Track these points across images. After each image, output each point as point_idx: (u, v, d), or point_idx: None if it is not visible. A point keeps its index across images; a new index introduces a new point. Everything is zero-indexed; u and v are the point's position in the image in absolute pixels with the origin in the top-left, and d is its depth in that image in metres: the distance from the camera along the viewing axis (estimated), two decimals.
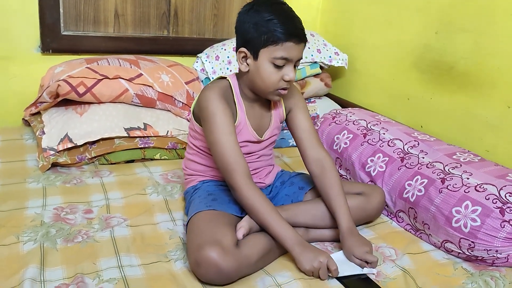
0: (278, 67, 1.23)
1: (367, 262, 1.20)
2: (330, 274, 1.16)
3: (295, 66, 1.27)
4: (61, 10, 1.97)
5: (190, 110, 1.41)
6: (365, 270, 1.20)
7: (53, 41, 1.99)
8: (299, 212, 1.33)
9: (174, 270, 1.16)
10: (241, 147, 1.31)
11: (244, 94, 1.34)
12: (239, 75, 1.34)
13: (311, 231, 1.34)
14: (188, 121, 1.95)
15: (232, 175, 1.23)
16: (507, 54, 1.57)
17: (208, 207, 1.25)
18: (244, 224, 1.22)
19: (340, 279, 1.16)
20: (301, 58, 1.27)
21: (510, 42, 1.56)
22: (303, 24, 1.26)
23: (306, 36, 1.26)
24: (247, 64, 1.27)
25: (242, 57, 1.27)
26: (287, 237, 1.18)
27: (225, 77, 1.35)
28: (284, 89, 1.28)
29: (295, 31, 1.22)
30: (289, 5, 1.27)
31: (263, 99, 1.36)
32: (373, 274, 1.20)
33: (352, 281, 1.16)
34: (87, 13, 2.04)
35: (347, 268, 1.19)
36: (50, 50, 2.00)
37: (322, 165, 1.37)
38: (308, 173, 1.43)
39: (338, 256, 1.24)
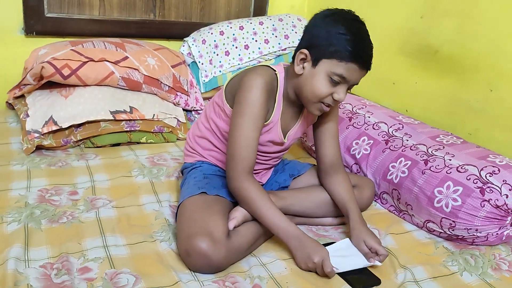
0: (333, 83, 1.18)
1: (376, 254, 1.18)
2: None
3: (349, 89, 1.22)
4: None
5: (222, 88, 1.31)
6: (370, 262, 1.16)
7: (36, 23, 1.96)
8: (295, 201, 1.33)
9: (160, 250, 1.16)
10: (263, 145, 1.30)
11: (287, 93, 1.28)
12: (288, 74, 1.27)
13: (297, 218, 1.34)
14: (175, 105, 1.94)
15: (235, 164, 1.20)
16: (489, 38, 1.59)
17: (200, 189, 1.23)
18: (238, 215, 1.19)
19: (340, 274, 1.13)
20: (357, 84, 1.22)
21: (492, 26, 1.58)
22: (373, 52, 1.19)
23: (371, 65, 1.19)
24: (303, 68, 1.21)
25: (301, 59, 1.20)
26: (283, 230, 1.16)
27: (273, 68, 1.27)
28: (328, 106, 1.23)
29: (363, 56, 1.16)
30: (366, 28, 1.20)
31: (300, 103, 1.30)
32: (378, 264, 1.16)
33: (352, 277, 1.13)
34: None
35: (348, 261, 1.15)
36: (34, 33, 1.97)
37: (335, 165, 1.37)
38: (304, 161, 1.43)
39: (340, 246, 1.21)
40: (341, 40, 1.14)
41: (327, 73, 1.17)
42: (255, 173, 1.38)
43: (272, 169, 1.46)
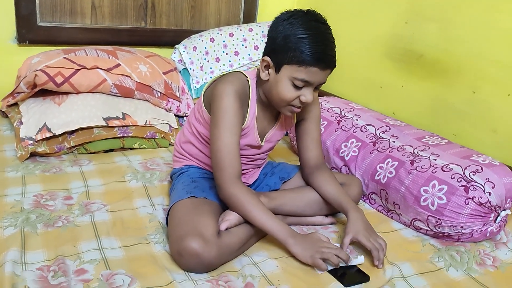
0: (297, 87, 1.19)
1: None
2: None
3: (316, 88, 1.23)
4: (37, 1, 1.98)
5: (201, 94, 1.34)
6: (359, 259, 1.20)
7: (29, 32, 1.99)
8: (286, 201, 1.35)
9: (154, 251, 1.19)
10: (242, 149, 1.32)
11: (260, 97, 1.31)
12: (258, 78, 1.29)
13: (289, 218, 1.37)
14: (167, 111, 1.97)
15: (222, 173, 1.22)
16: (472, 42, 1.65)
17: (189, 194, 1.26)
18: (231, 218, 1.21)
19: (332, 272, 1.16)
20: (324, 82, 1.23)
21: (474, 30, 1.64)
22: (334, 50, 1.18)
23: (336, 62, 1.19)
24: (268, 74, 1.23)
25: (265, 66, 1.23)
26: (277, 231, 1.18)
27: (245, 74, 1.30)
28: (298, 107, 1.25)
29: (323, 57, 1.15)
30: (328, 26, 1.19)
31: None
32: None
33: (342, 273, 1.16)
34: (63, 4, 2.04)
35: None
36: (27, 41, 2.00)
37: (319, 165, 1.40)
38: (290, 163, 1.46)
39: None
40: (298, 44, 1.14)
41: (289, 78, 1.19)
42: (243, 173, 1.41)
43: (260, 169, 1.49)
